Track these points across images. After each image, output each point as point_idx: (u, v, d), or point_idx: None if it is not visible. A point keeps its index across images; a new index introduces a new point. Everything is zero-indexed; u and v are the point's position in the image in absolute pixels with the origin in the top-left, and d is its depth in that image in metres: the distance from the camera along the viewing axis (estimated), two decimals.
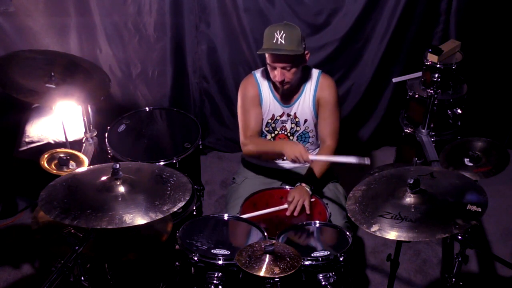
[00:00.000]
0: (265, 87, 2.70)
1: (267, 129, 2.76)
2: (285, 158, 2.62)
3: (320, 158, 2.65)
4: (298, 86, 2.67)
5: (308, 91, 2.68)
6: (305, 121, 2.72)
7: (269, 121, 2.74)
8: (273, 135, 2.77)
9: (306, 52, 2.56)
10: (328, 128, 2.70)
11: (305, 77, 2.68)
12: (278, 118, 2.72)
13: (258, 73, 2.73)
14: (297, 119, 2.72)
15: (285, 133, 2.76)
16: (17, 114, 3.28)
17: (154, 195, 1.93)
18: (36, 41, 3.29)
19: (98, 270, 2.35)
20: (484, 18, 3.45)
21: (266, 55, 2.53)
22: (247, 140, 2.71)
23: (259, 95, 2.70)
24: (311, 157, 2.53)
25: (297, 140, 2.77)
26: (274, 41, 2.47)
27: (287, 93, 2.68)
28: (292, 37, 2.46)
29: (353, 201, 2.04)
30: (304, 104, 2.68)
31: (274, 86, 2.66)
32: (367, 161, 2.38)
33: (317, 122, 2.73)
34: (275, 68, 2.53)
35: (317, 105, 2.69)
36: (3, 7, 3.14)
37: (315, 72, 2.70)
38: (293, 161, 2.53)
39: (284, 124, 2.74)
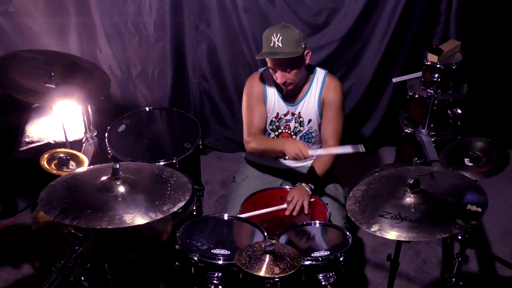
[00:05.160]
0: (270, 85, 2.70)
1: (271, 127, 2.76)
2: (287, 157, 2.61)
3: (318, 152, 2.65)
4: (304, 86, 2.68)
5: (314, 91, 2.68)
6: (309, 121, 2.72)
7: (273, 119, 2.74)
8: (276, 133, 2.78)
9: (307, 51, 2.56)
10: (331, 129, 2.70)
11: (311, 77, 2.68)
12: (283, 117, 2.73)
13: (264, 71, 2.73)
14: (301, 119, 2.72)
15: (289, 132, 2.76)
16: (17, 114, 3.28)
17: (154, 195, 1.93)
18: (36, 41, 3.29)
19: (98, 270, 2.35)
20: (484, 18, 3.45)
21: (266, 58, 2.54)
22: (250, 137, 2.72)
23: (264, 93, 2.70)
24: (311, 152, 2.53)
25: (300, 139, 2.77)
26: (272, 45, 2.47)
27: (292, 93, 2.68)
28: (289, 39, 2.46)
29: (353, 201, 2.04)
30: (309, 104, 2.69)
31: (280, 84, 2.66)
32: (361, 148, 2.39)
33: (321, 123, 2.73)
34: (276, 71, 2.53)
35: (322, 105, 2.69)
36: (3, 7, 3.13)
37: (321, 73, 2.70)
38: (294, 158, 2.53)
39: (288, 123, 2.74)
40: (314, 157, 2.73)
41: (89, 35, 3.38)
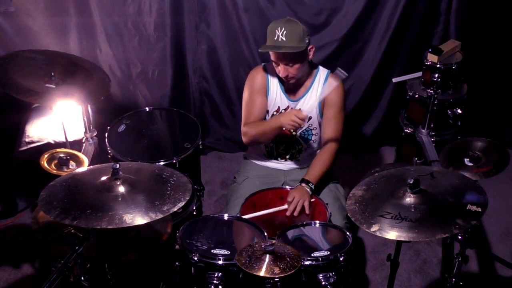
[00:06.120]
0: (273, 78, 2.70)
1: None
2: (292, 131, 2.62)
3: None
4: (306, 82, 2.68)
5: (315, 89, 2.68)
6: (310, 118, 2.72)
7: (274, 113, 2.74)
8: None
9: (310, 46, 2.57)
10: (332, 129, 2.70)
11: (313, 75, 2.69)
12: (283, 111, 2.73)
13: (267, 65, 2.74)
14: None
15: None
16: (17, 114, 3.28)
17: (154, 195, 1.93)
18: (36, 41, 3.29)
19: (98, 270, 2.35)
20: (484, 18, 3.45)
21: (269, 52, 2.54)
22: (246, 127, 2.71)
23: (267, 86, 2.70)
24: (305, 112, 2.53)
25: (299, 136, 2.77)
26: (276, 38, 2.48)
27: (294, 88, 2.69)
28: (293, 34, 2.46)
29: (353, 201, 2.04)
30: (310, 101, 2.69)
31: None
32: (342, 73, 2.45)
33: (322, 122, 2.73)
34: (278, 65, 2.54)
35: (322, 104, 2.69)
36: (3, 7, 3.14)
37: (324, 71, 2.71)
38: (294, 127, 2.53)
39: None
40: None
41: (89, 35, 3.38)
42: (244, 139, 2.75)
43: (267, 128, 2.67)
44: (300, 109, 2.55)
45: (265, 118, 2.76)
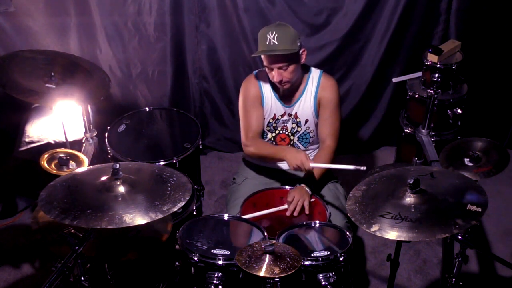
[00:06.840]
0: (266, 86, 2.70)
1: (268, 128, 2.76)
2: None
3: (320, 165, 2.62)
4: (299, 86, 2.68)
5: (310, 91, 2.68)
6: (306, 121, 2.72)
7: (271, 120, 2.74)
8: (274, 134, 2.77)
9: (302, 49, 2.56)
10: (329, 128, 2.70)
11: (306, 77, 2.68)
12: (280, 117, 2.73)
13: (259, 73, 2.73)
14: (298, 119, 2.72)
15: (286, 132, 2.76)
16: (17, 114, 3.28)
17: (154, 195, 1.93)
18: (36, 41, 3.30)
19: (98, 270, 2.35)
20: (484, 18, 3.45)
21: (262, 57, 2.54)
22: (249, 141, 2.72)
23: (261, 95, 2.70)
24: (312, 165, 2.54)
25: (297, 140, 2.77)
26: (267, 43, 2.47)
27: (288, 93, 2.68)
28: (284, 37, 2.46)
29: (353, 201, 2.04)
30: (305, 104, 2.69)
31: (275, 85, 2.66)
32: (363, 167, 2.40)
33: (318, 122, 2.73)
34: (272, 69, 2.54)
35: (318, 105, 2.69)
36: (3, 7, 3.14)
37: (316, 72, 2.70)
38: (295, 169, 2.55)
39: (285, 124, 2.74)
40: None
41: (89, 35, 3.38)
42: (245, 151, 2.77)
43: (270, 154, 2.68)
44: (307, 156, 2.53)
45: (263, 128, 2.76)
